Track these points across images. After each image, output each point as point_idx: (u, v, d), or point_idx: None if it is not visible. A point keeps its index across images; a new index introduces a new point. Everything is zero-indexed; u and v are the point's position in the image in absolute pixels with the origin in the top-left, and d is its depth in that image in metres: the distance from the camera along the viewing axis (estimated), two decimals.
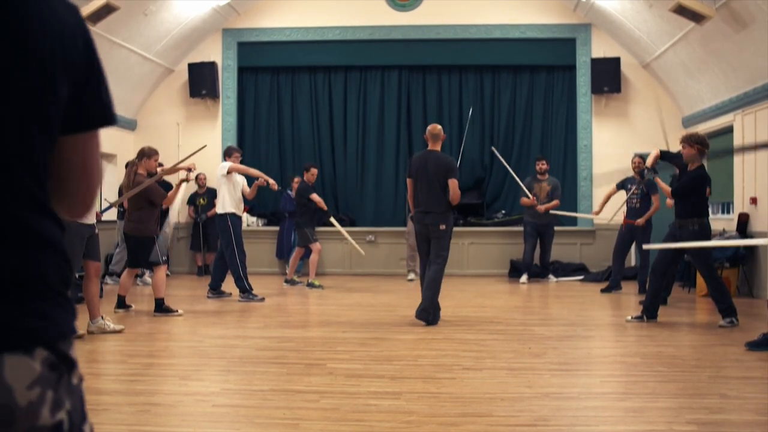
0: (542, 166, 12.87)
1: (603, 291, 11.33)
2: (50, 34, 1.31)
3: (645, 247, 9.35)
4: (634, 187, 11.17)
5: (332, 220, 12.26)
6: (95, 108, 1.42)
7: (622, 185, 11.57)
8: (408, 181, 8.45)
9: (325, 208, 12.01)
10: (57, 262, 1.32)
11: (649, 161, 8.80)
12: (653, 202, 10.99)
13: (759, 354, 6.36)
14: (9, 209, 1.26)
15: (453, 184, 8.10)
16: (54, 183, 1.38)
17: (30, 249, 1.28)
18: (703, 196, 8.15)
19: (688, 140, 8.18)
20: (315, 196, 11.76)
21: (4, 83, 1.26)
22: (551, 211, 12.63)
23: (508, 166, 13.20)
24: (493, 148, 13.68)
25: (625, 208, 11.42)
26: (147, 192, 8.39)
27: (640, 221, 11.03)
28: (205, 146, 10.53)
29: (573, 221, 14.38)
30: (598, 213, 12.19)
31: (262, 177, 10.34)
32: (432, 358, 6.23)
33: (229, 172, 10.21)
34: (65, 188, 1.42)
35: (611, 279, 11.50)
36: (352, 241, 12.34)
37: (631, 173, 11.38)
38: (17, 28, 1.27)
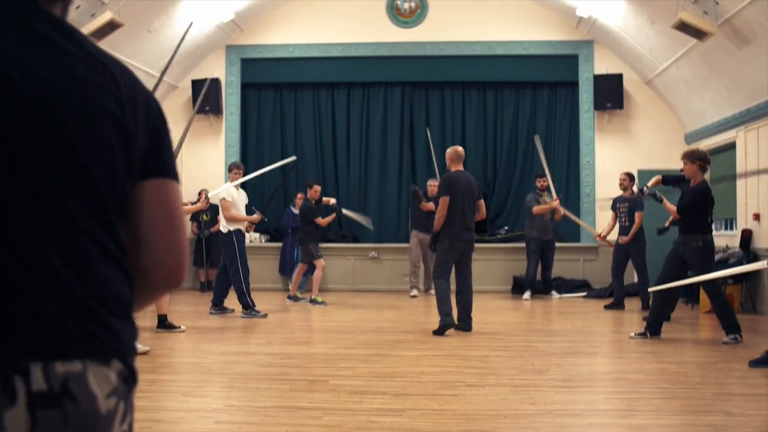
0: (543, 183, 12.87)
1: (607, 307, 11.35)
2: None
3: (654, 290, 8.93)
4: (622, 206, 11.45)
5: (344, 212, 12.40)
6: (161, 162, 1.51)
7: (613, 206, 11.69)
8: (445, 199, 8.58)
9: (330, 219, 12.08)
10: (128, 284, 1.40)
11: (650, 183, 8.87)
12: (635, 219, 11.10)
13: (763, 371, 6.34)
14: (94, 232, 1.34)
15: (483, 204, 8.98)
16: (137, 245, 1.45)
17: (111, 271, 1.35)
18: (707, 212, 8.15)
19: (689, 157, 8.19)
20: (320, 221, 11.82)
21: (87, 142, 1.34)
22: (565, 212, 12.61)
23: (543, 160, 12.91)
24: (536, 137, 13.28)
25: (617, 226, 11.55)
26: None
27: (625, 239, 11.22)
28: (296, 158, 11.96)
29: (576, 237, 14.37)
30: (602, 237, 12.09)
31: (247, 221, 10.50)
32: (435, 374, 6.21)
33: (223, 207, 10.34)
34: (150, 243, 1.46)
35: (615, 297, 11.49)
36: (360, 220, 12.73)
37: (618, 192, 11.58)
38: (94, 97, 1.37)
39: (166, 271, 1.49)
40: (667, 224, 8.97)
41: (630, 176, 11.55)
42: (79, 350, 1.26)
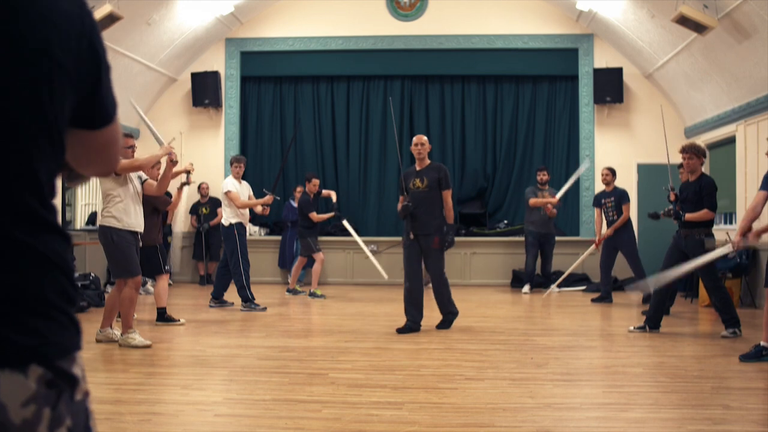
0: (543, 177, 12.88)
1: (594, 300, 11.39)
2: (53, 37, 1.30)
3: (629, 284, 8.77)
4: (607, 200, 11.49)
5: (345, 224, 12.25)
6: (109, 104, 1.44)
7: (597, 202, 11.70)
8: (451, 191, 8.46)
9: (325, 217, 11.94)
10: (57, 278, 1.30)
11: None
12: (624, 212, 11.21)
13: (761, 365, 6.35)
14: (4, 228, 1.24)
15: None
16: (79, 160, 1.46)
17: (26, 267, 1.25)
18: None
19: (694, 151, 8.19)
20: (314, 216, 11.66)
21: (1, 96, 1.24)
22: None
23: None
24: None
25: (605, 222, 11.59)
26: (151, 198, 8.31)
27: (608, 232, 11.29)
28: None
29: (576, 231, 14.39)
30: (598, 244, 11.83)
31: (260, 204, 10.47)
32: (434, 368, 6.22)
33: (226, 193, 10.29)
34: (91, 161, 1.49)
35: (602, 290, 11.49)
36: (363, 247, 12.06)
37: (601, 187, 11.62)
38: (19, 32, 1.25)
39: (93, 170, 1.54)
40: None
41: (612, 171, 11.55)
42: None
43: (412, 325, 8.23)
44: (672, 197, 8.73)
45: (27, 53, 1.26)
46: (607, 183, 11.52)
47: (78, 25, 1.36)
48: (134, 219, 7.36)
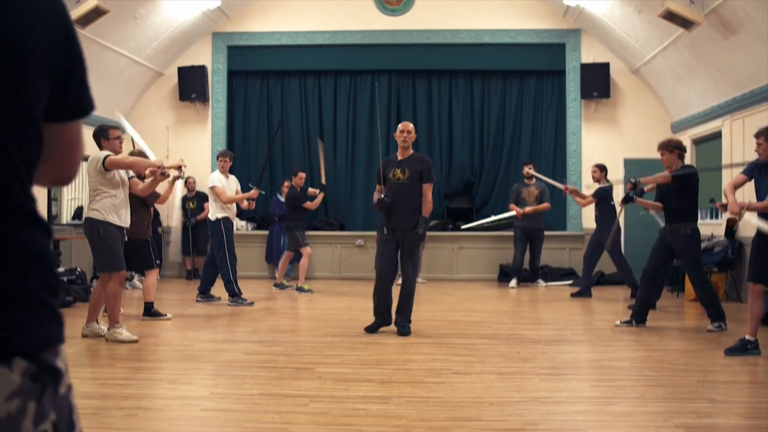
0: (530, 171, 12.90)
1: (573, 295, 11.32)
2: (26, 25, 1.28)
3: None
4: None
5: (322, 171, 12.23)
6: (83, 98, 1.42)
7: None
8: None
9: (318, 201, 11.89)
10: (41, 271, 1.29)
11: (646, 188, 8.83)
12: (588, 199, 11.58)
13: (746, 358, 6.39)
14: None
15: None
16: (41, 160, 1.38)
17: (10, 259, 1.24)
18: (695, 198, 8.17)
19: (667, 147, 8.23)
20: (309, 204, 11.77)
21: None
22: (526, 209, 12.67)
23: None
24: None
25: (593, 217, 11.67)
26: (140, 193, 8.14)
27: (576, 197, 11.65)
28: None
29: (563, 226, 14.42)
30: (568, 188, 12.13)
31: (245, 198, 10.45)
32: (421, 362, 6.23)
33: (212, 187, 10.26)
34: (51, 162, 1.41)
35: (582, 285, 11.47)
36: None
37: (590, 183, 11.72)
38: None
39: (50, 176, 1.46)
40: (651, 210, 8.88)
41: (600, 167, 11.50)
42: None
43: (381, 323, 7.83)
44: (629, 188, 8.69)
45: (2, 44, 1.24)
46: (596, 180, 11.44)
47: (52, 17, 1.34)
48: (123, 216, 7.36)
